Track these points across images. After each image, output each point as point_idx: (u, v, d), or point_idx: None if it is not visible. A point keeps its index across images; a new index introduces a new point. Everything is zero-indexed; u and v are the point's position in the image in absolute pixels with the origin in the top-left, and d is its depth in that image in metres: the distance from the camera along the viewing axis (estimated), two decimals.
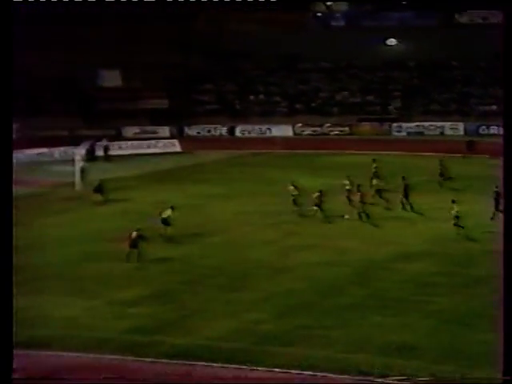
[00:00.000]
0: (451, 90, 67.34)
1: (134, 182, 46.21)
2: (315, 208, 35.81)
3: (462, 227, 32.29)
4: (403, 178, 38.24)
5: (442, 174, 42.57)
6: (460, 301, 24.99)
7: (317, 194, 36.25)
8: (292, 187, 37.66)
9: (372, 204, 37.36)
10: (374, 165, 42.53)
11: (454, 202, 33.09)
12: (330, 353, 21.05)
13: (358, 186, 37.27)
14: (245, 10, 63.99)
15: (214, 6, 57.53)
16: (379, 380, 19.68)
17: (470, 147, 51.98)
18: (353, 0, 70.95)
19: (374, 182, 39.57)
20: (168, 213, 32.99)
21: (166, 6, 54.49)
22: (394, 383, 19.54)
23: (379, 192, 38.67)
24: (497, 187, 32.63)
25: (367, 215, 35.59)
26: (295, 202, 37.15)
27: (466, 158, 50.96)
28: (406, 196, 37.31)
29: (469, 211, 33.72)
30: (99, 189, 40.16)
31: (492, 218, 33.30)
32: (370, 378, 19.74)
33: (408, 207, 37.16)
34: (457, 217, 32.42)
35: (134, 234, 29.72)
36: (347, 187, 38.53)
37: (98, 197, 39.78)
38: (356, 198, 36.38)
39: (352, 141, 60.61)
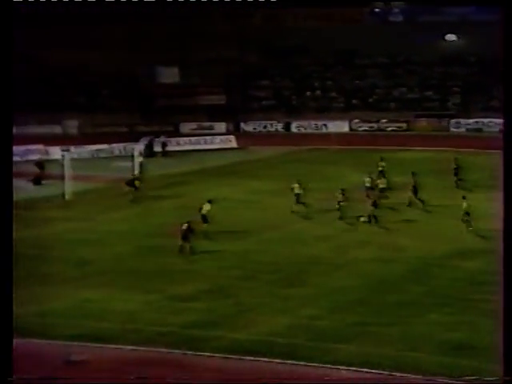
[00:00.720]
0: None
1: (192, 177, 46.67)
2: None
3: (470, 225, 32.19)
4: (413, 173, 37.25)
5: (456, 173, 41.01)
6: None
7: (339, 192, 35.10)
8: (297, 185, 36.52)
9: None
10: (381, 163, 41.05)
11: (464, 198, 33.07)
12: (384, 350, 21.03)
13: (371, 187, 36.31)
14: (302, 6, 63.90)
15: (271, 1, 57.56)
16: (435, 378, 19.61)
17: None
18: None
19: (379, 181, 37.89)
20: (207, 208, 32.88)
21: (222, 3, 54.75)
22: (450, 382, 19.45)
23: (383, 192, 37.25)
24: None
25: (375, 218, 34.00)
26: (298, 200, 36.22)
27: None
28: (416, 193, 36.48)
29: None
30: (131, 183, 40.53)
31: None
32: (426, 377, 19.68)
33: (420, 204, 36.19)
34: (467, 213, 32.29)
35: (185, 225, 30.11)
36: (367, 184, 37.39)
37: (132, 190, 39.88)
38: (369, 199, 34.99)
39: (409, 137, 60.04)
